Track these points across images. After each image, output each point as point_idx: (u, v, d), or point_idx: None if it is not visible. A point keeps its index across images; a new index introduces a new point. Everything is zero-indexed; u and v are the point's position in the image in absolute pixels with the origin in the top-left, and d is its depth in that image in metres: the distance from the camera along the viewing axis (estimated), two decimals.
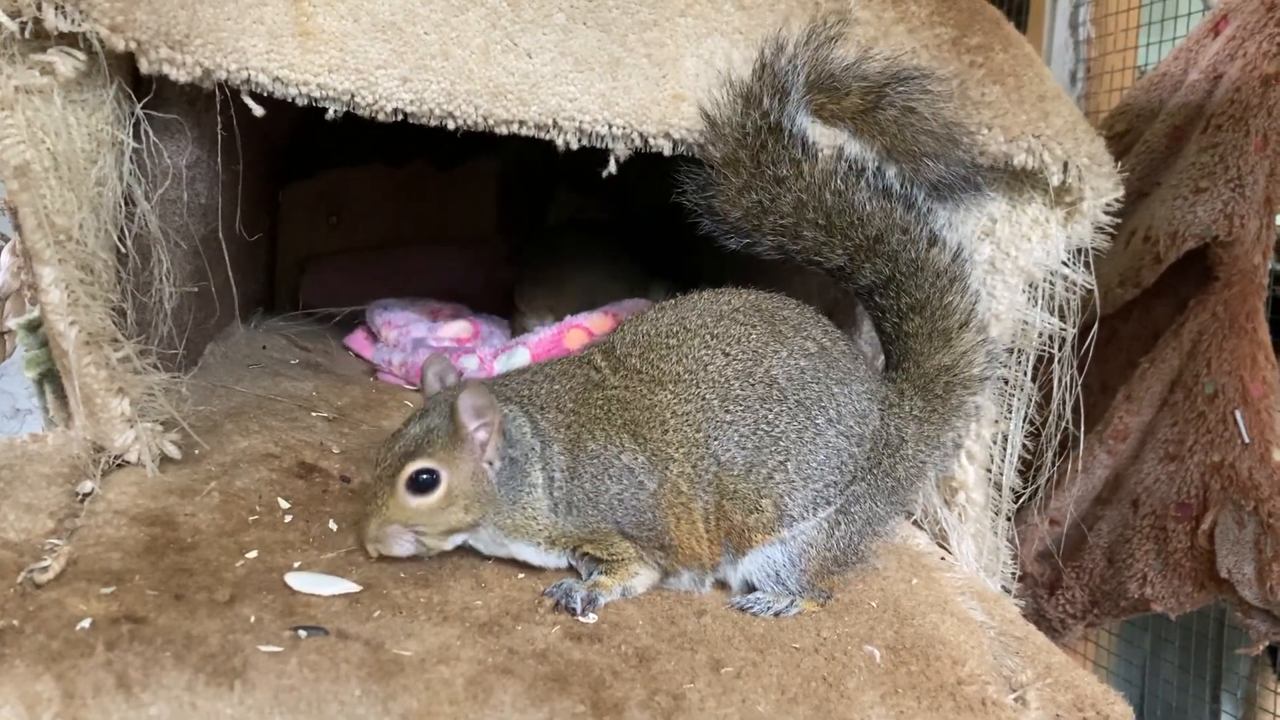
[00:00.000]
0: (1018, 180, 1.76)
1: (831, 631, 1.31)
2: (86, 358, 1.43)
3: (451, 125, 1.67)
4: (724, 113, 1.54)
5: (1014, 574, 1.81)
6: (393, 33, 1.61)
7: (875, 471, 1.41)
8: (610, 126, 1.65)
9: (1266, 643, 2.20)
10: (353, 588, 1.27)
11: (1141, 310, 2.45)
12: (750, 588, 1.41)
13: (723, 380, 1.37)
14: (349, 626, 1.17)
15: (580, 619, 1.27)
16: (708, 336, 1.41)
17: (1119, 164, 2.45)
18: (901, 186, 1.53)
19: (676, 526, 1.35)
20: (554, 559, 1.39)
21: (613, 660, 1.17)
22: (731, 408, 1.36)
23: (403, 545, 1.31)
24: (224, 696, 1.04)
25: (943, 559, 1.67)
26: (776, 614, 1.35)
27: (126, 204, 1.55)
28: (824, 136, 1.58)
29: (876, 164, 1.53)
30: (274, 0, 1.56)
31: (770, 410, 1.36)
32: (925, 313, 1.53)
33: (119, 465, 1.52)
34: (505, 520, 1.35)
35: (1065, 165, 1.69)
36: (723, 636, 1.26)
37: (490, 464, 1.33)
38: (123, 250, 1.51)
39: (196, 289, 1.71)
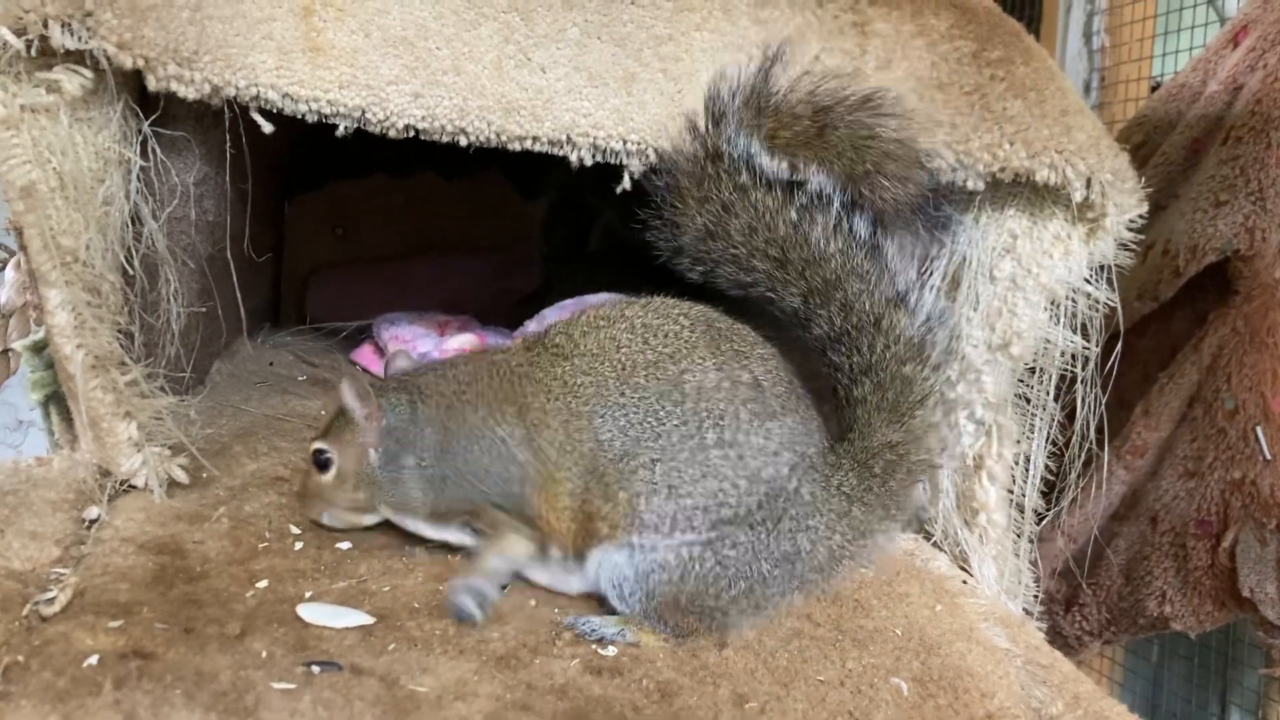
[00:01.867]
0: (1039, 196, 1.73)
1: (857, 663, 1.28)
2: (93, 381, 1.40)
3: (464, 141, 1.64)
4: (673, 141, 1.50)
5: (1036, 596, 1.78)
6: (404, 48, 1.58)
7: (769, 526, 1.30)
8: (625, 142, 1.62)
9: None
10: (366, 620, 1.23)
11: (1159, 324, 2.42)
12: (601, 601, 1.36)
13: (629, 364, 1.34)
14: (363, 661, 1.14)
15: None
16: (637, 325, 1.38)
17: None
18: (868, 232, 1.45)
19: (539, 496, 1.33)
20: (449, 533, 1.43)
21: (634, 695, 1.14)
22: (627, 391, 1.32)
23: (320, 516, 1.47)
24: None
25: (964, 582, 1.63)
26: (602, 639, 1.28)
27: (134, 223, 1.52)
28: (787, 167, 1.51)
29: (842, 201, 1.45)
30: (284, 16, 1.53)
31: (663, 407, 1.30)
32: (875, 379, 1.44)
33: (126, 490, 1.49)
34: (390, 499, 1.43)
35: (1088, 181, 1.65)
36: (745, 670, 1.23)
37: (375, 449, 1.41)
38: (130, 271, 1.48)
39: (204, 309, 1.68)
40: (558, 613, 1.34)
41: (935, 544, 1.79)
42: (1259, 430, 2.17)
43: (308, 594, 1.29)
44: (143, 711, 1.01)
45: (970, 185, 1.70)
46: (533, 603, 1.34)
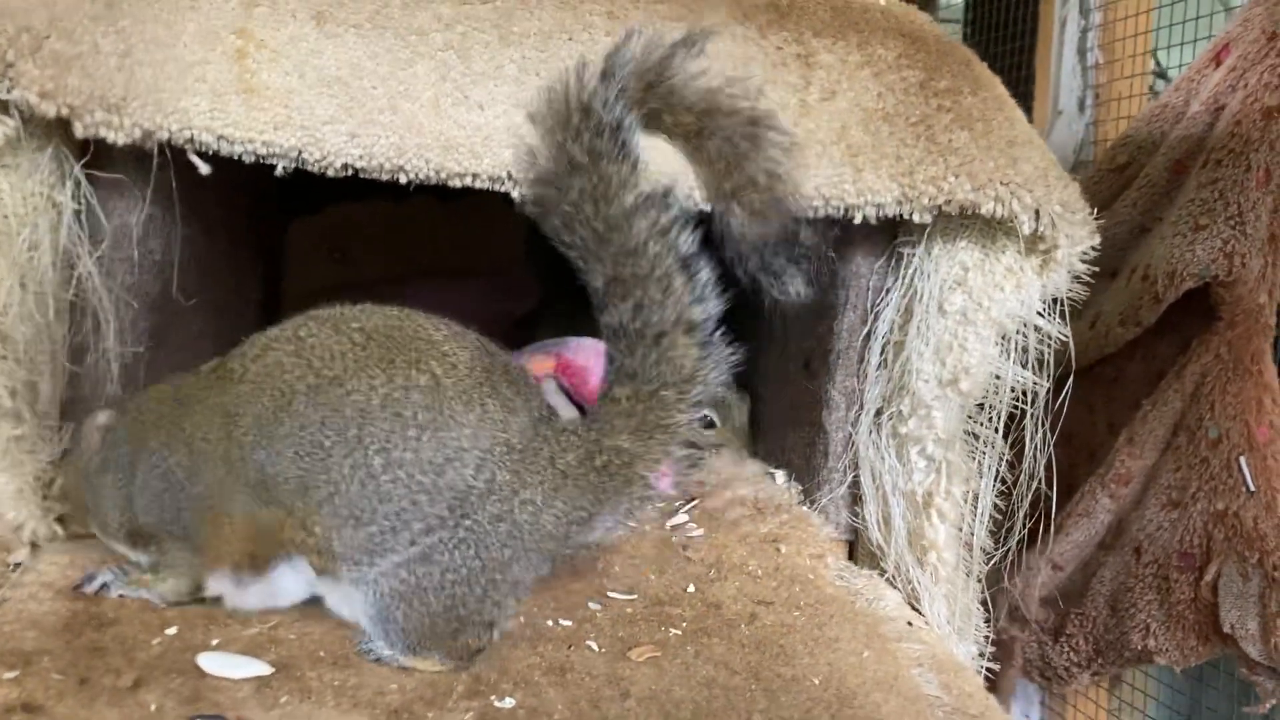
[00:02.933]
0: (991, 228, 1.69)
1: (764, 716, 1.25)
2: None
3: (404, 179, 1.64)
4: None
5: (987, 637, 1.74)
6: (339, 88, 1.58)
7: (476, 519, 1.27)
8: None
9: (1274, 701, 2.10)
10: (265, 670, 1.23)
11: (1146, 350, 2.36)
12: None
13: (288, 390, 1.29)
14: (251, 714, 1.14)
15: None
16: (305, 346, 1.33)
17: (1121, 197, 2.39)
18: (690, 249, 1.38)
19: (208, 525, 1.32)
20: (143, 556, 1.42)
21: None
22: (287, 421, 1.28)
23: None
24: None
25: (910, 624, 1.60)
26: (379, 660, 1.29)
27: (69, 266, 1.54)
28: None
29: (683, 209, 1.39)
30: (217, 59, 1.54)
31: (327, 437, 1.27)
32: (636, 388, 1.40)
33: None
34: (93, 519, 1.44)
35: (1036, 213, 1.62)
36: None
37: (85, 468, 1.43)
38: (43, 317, 1.49)
39: (144, 349, 1.69)
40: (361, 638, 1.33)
41: (889, 580, 1.75)
42: (1242, 460, 2.11)
43: (214, 641, 1.29)
44: None
45: (917, 218, 1.68)
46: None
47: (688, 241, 1.37)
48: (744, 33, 1.70)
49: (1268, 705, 2.10)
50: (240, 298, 2.55)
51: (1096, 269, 2.33)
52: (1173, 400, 2.23)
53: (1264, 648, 2.02)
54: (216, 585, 1.36)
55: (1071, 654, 2.47)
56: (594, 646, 1.38)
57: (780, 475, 2.05)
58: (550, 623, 1.44)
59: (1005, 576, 1.74)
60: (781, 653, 1.41)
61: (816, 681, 1.35)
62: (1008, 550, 1.71)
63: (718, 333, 1.42)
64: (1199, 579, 2.14)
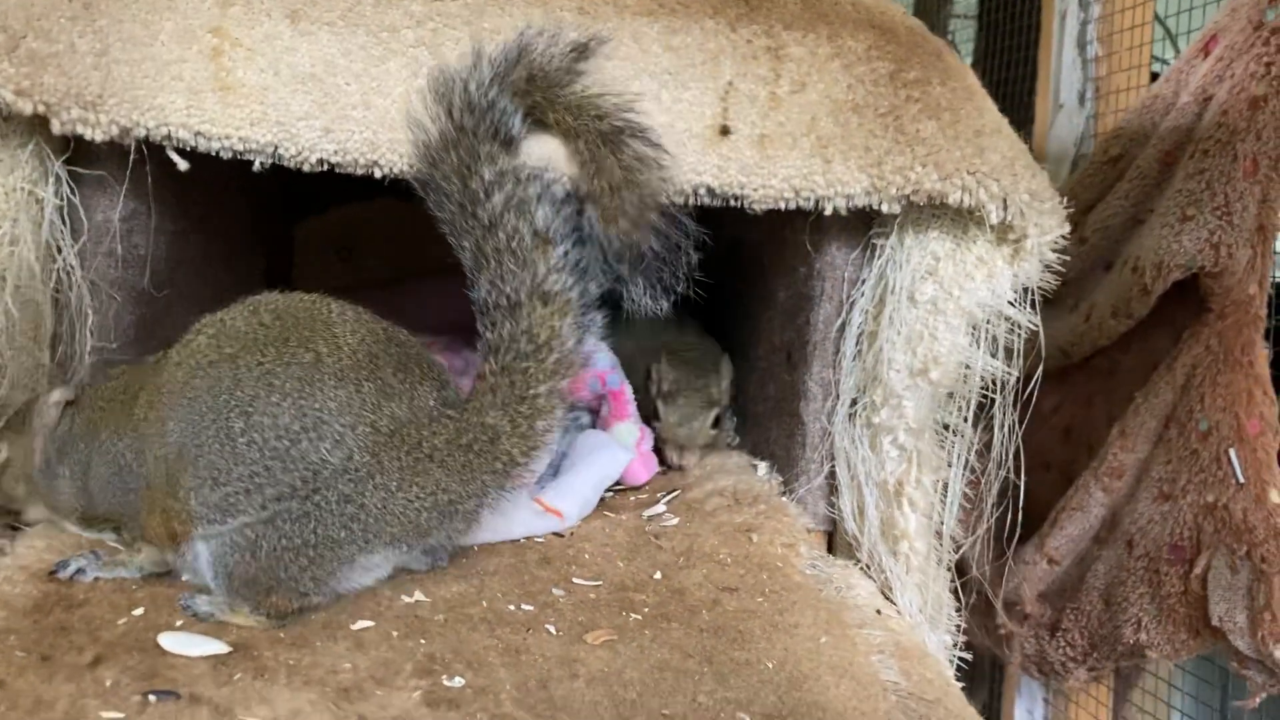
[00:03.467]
0: (961, 218, 1.70)
1: (709, 697, 1.26)
2: None
3: (378, 174, 1.67)
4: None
5: (958, 626, 1.74)
6: (313, 84, 1.61)
7: (325, 493, 1.33)
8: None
9: (1264, 694, 2.08)
10: (222, 649, 1.26)
11: (1140, 342, 2.35)
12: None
13: (195, 365, 1.37)
14: (204, 690, 1.17)
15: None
16: (225, 329, 1.40)
17: (1114, 189, 2.38)
18: (546, 224, 1.49)
19: (143, 504, 1.39)
20: (100, 535, 1.51)
21: None
22: (185, 395, 1.35)
23: None
24: None
25: (879, 611, 1.61)
26: (197, 614, 1.35)
27: (50, 260, 1.59)
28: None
29: (545, 186, 1.50)
30: (193, 57, 1.58)
31: (202, 403, 1.34)
32: (498, 362, 1.49)
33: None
34: (47, 501, 1.50)
35: (1004, 202, 1.62)
36: (590, 703, 1.23)
37: (39, 451, 1.47)
38: (19, 311, 1.54)
39: (127, 342, 1.73)
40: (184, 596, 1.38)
41: (863, 568, 1.76)
42: (1232, 452, 2.09)
43: (179, 622, 1.32)
44: None
45: (885, 208, 1.69)
46: (395, 634, 1.36)
47: (546, 215, 1.46)
48: (714, 26, 1.71)
49: (1256, 700, 2.08)
50: (239, 295, 2.60)
51: (1082, 261, 2.34)
52: (1164, 392, 2.21)
53: (1252, 640, 2.00)
54: (170, 559, 1.43)
55: (1068, 649, 2.46)
56: (552, 630, 1.41)
57: (763, 467, 2.07)
58: (512, 607, 1.46)
59: (975, 565, 1.73)
60: (739, 637, 1.42)
61: (770, 665, 1.36)
62: (976, 539, 1.71)
63: (583, 302, 1.51)
64: (1189, 572, 2.13)
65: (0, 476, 1.52)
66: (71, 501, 1.48)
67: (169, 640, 1.27)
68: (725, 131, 1.68)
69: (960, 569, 1.80)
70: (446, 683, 1.24)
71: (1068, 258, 1.69)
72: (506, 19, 1.67)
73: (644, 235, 1.56)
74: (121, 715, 1.11)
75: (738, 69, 1.70)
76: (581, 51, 1.47)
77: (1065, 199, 1.69)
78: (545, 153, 1.56)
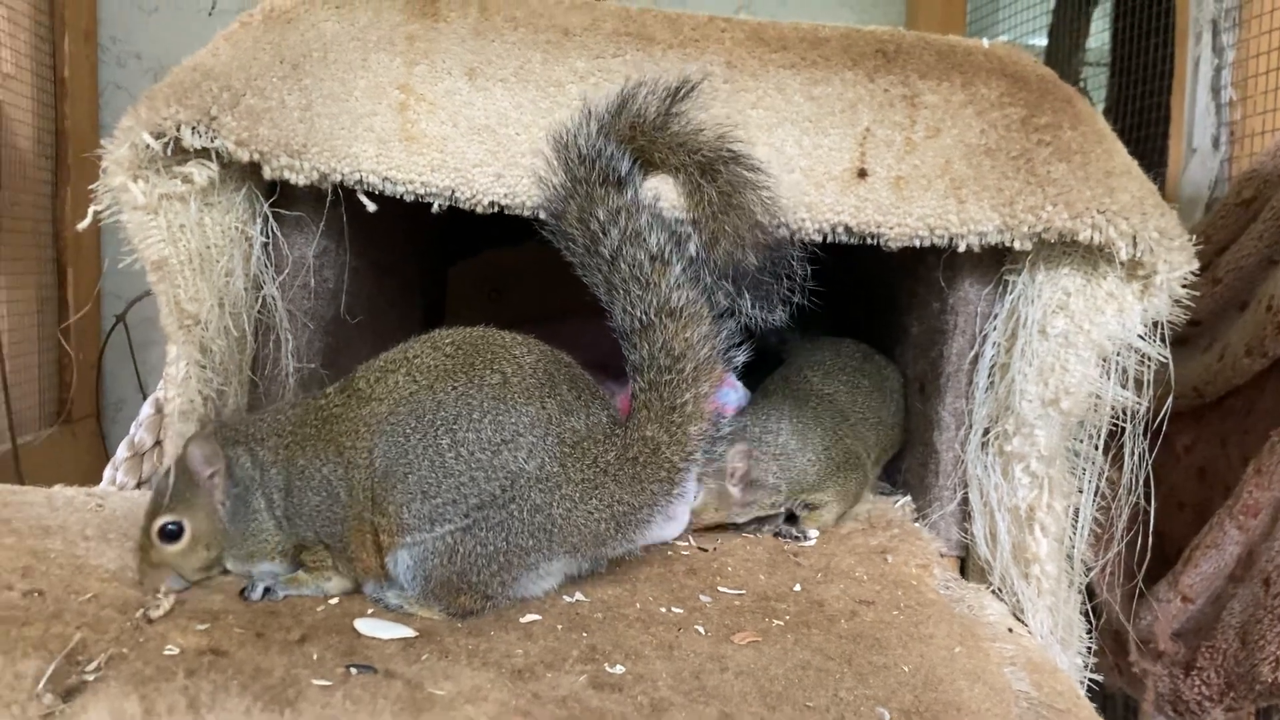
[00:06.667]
0: (1091, 255, 1.78)
1: (850, 693, 1.36)
2: (178, 426, 1.66)
3: (544, 215, 1.83)
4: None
5: (1090, 648, 1.80)
6: (487, 134, 1.79)
7: (519, 504, 1.47)
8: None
9: None
10: (410, 633, 1.42)
11: (1275, 380, 2.36)
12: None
13: (397, 399, 1.50)
14: (397, 667, 1.32)
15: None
16: (412, 364, 1.54)
17: (1247, 230, 2.41)
18: (660, 246, 1.57)
19: (354, 536, 1.50)
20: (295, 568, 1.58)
21: (626, 709, 1.27)
22: (392, 421, 1.48)
23: (167, 582, 1.51)
24: None
25: (1010, 630, 1.68)
26: (387, 606, 1.50)
27: (256, 290, 1.79)
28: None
29: (652, 219, 1.58)
30: (383, 110, 1.77)
31: (410, 426, 1.47)
32: (646, 379, 1.59)
33: None
34: (240, 551, 1.55)
35: (1134, 239, 1.70)
36: (739, 692, 1.34)
37: (222, 504, 1.53)
38: (237, 332, 1.74)
39: (315, 366, 1.92)
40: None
41: (994, 592, 1.83)
42: None
43: (369, 611, 1.48)
44: (204, 696, 1.22)
45: (1017, 245, 1.78)
46: (560, 627, 1.49)
47: (659, 239, 1.57)
48: (853, 77, 1.84)
49: None
50: (402, 330, 2.79)
51: (1215, 302, 2.37)
52: None
53: None
54: (369, 589, 1.56)
55: (1203, 688, 2.45)
56: (701, 630, 1.52)
57: (897, 494, 2.15)
58: (663, 609, 1.58)
59: (1105, 589, 1.79)
60: (877, 644, 1.52)
61: (906, 669, 1.45)
62: (1106, 562, 1.77)
63: (709, 311, 1.61)
64: None
65: (191, 556, 1.52)
66: (272, 535, 1.55)
67: (363, 625, 1.43)
68: (863, 174, 1.80)
69: (1090, 595, 1.85)
70: (609, 670, 1.37)
71: (1197, 293, 1.74)
72: (660, 72, 1.83)
73: (746, 255, 1.67)
74: (329, 683, 1.26)
75: (875, 116, 1.82)
76: (675, 96, 1.60)
77: (1198, 239, 1.75)
78: (655, 186, 1.68)
